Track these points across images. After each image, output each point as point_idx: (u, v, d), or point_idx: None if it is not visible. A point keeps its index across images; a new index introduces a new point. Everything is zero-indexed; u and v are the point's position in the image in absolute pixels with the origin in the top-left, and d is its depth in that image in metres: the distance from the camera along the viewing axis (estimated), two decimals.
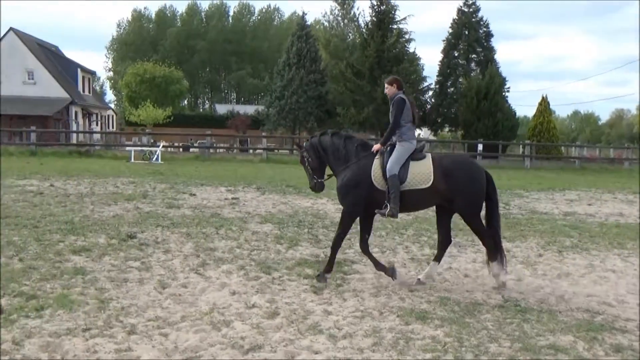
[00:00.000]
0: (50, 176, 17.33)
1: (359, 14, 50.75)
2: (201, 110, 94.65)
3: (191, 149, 34.70)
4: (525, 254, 8.56)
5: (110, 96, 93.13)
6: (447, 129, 48.29)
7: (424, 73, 43.82)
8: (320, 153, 6.84)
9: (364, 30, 41.76)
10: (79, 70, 49.43)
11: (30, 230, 8.70)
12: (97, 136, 38.19)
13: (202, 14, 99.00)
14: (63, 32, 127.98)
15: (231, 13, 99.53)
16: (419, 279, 6.65)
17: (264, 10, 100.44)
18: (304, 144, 7.02)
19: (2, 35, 44.80)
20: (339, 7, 46.10)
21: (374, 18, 40.69)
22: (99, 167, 21.68)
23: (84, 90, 50.12)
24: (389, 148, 6.61)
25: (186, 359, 4.33)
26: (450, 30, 44.53)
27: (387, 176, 6.38)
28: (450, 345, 4.75)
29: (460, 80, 42.97)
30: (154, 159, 26.46)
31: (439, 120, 44.13)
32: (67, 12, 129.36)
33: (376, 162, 6.55)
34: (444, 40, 44.82)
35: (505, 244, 9.07)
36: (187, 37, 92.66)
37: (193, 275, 6.66)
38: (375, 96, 38.20)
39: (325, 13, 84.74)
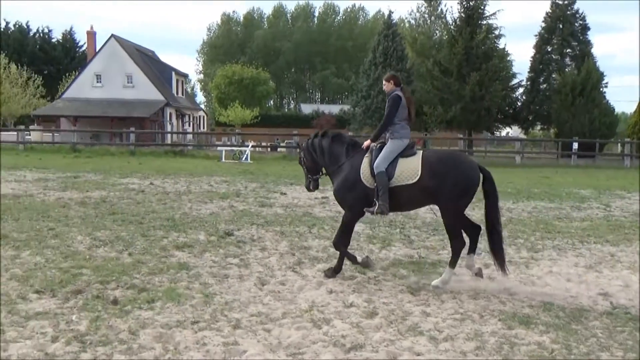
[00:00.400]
0: (149, 175, 18.24)
1: (446, 11, 49.95)
2: (286, 110, 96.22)
3: (278, 149, 35.41)
4: (632, 259, 8.10)
5: (200, 98, 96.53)
6: (538, 127, 46.54)
7: (515, 69, 42.39)
8: (313, 154, 6.93)
9: (451, 27, 40.95)
10: (173, 73, 51.62)
11: (136, 227, 9.21)
12: (189, 136, 39.74)
13: (288, 15, 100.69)
14: (159, 37, 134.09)
15: (316, 14, 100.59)
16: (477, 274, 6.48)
17: (348, 10, 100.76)
18: (302, 144, 7.13)
19: (90, 42, 47.58)
20: (425, 5, 45.50)
21: (462, 14, 39.80)
22: (193, 167, 22.58)
23: (177, 93, 52.29)
24: (378, 146, 6.55)
25: (290, 355, 4.43)
26: (543, 24, 42.86)
27: (375, 173, 6.33)
28: (559, 353, 4.58)
29: (553, 76, 41.29)
30: (243, 158, 27.23)
31: (530, 118, 42.57)
32: (162, 19, 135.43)
33: (365, 161, 6.52)
34: (536, 35, 43.25)
35: (609, 248, 8.71)
36: (274, 39, 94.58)
37: (290, 273, 6.80)
38: (463, 94, 37.38)
39: (412, 11, 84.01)
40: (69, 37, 72.79)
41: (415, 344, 4.67)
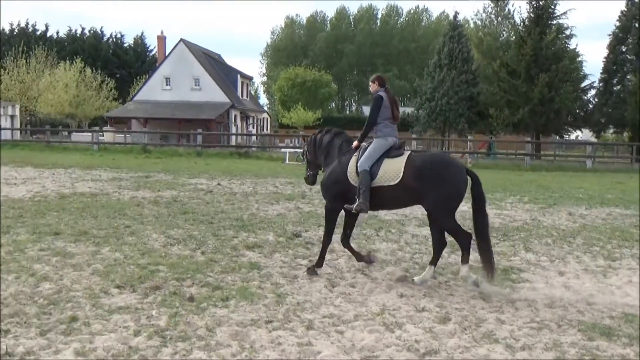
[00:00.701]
0: (216, 175, 18.67)
1: (514, 11, 48.79)
2: (348, 112, 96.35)
3: None
4: None
5: (263, 100, 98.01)
6: (611, 131, 44.74)
7: (586, 70, 40.96)
8: (314, 149, 7.19)
9: (520, 27, 39.95)
10: (238, 76, 52.65)
11: (207, 226, 9.44)
12: (253, 138, 40.36)
13: (351, 17, 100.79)
14: (225, 41, 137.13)
15: (379, 16, 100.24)
16: (413, 279, 6.49)
17: (411, 11, 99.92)
18: (308, 138, 7.43)
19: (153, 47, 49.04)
20: (492, 5, 44.50)
21: (531, 14, 38.80)
22: (258, 168, 22.95)
23: (242, 95, 53.29)
24: (366, 145, 6.68)
25: (364, 358, 4.43)
26: (618, 23, 41.15)
27: (359, 171, 6.44)
28: None
29: (628, 77, 39.58)
30: None
31: (603, 121, 40.93)
32: (228, 23, 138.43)
33: (353, 159, 6.65)
34: (609, 35, 41.56)
35: None
36: (336, 41, 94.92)
37: (359, 275, 6.80)
38: (531, 96, 36.39)
39: (478, 11, 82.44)
40: (140, 41, 75.56)
41: (492, 352, 4.58)
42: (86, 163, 22.05)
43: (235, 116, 49.28)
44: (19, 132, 39.26)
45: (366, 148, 6.63)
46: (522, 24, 39.87)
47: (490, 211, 12.24)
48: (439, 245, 6.52)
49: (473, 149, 34.40)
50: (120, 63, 70.01)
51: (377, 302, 5.75)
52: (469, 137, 36.11)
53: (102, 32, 74.68)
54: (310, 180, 7.51)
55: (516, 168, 27.97)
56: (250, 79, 59.79)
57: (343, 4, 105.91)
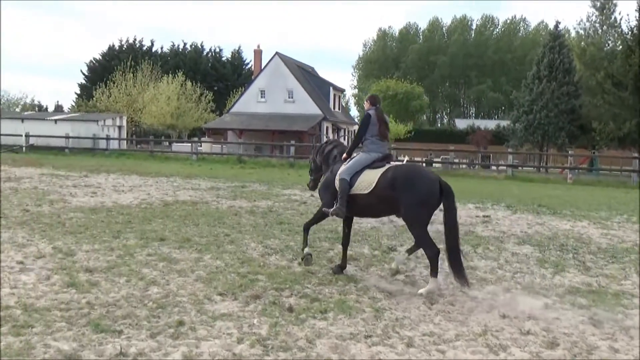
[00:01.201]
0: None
1: (621, 19, 46.17)
2: (440, 125, 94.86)
3: (433, 164, 34.93)
4: None
5: (354, 112, 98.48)
6: None
7: None
8: (319, 158, 7.85)
9: (627, 36, 37.71)
10: (331, 88, 53.25)
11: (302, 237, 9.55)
12: None
13: (444, 29, 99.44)
14: (318, 53, 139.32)
15: (474, 26, 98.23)
16: (420, 292, 6.53)
17: (508, 21, 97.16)
18: (317, 145, 8.20)
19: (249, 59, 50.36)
20: (597, 13, 42.38)
21: None
22: None
23: (334, 107, 53.82)
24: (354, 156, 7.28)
25: None
26: None
27: (338, 179, 7.04)
28: None
29: None
30: None
31: None
32: (322, 36, 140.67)
33: (342, 168, 7.19)
34: None
35: None
36: (429, 53, 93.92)
37: (459, 293, 6.62)
38: (639, 109, 34.19)
39: (581, 20, 78.73)
40: (237, 55, 78.30)
41: None
42: (186, 172, 23.02)
43: (327, 128, 49.82)
44: (125, 141, 41.69)
45: (352, 159, 7.22)
46: (630, 32, 37.65)
47: (596, 230, 11.62)
48: (426, 251, 6.71)
49: (574, 164, 32.80)
50: (218, 76, 72.82)
51: (479, 322, 5.57)
52: (569, 152, 34.47)
53: (202, 47, 78.13)
54: (311, 186, 8.11)
55: (621, 185, 26.36)
56: (342, 91, 60.36)
57: (436, 15, 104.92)
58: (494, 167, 35.15)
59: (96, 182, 17.85)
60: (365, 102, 7.51)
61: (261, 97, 49.41)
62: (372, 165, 7.03)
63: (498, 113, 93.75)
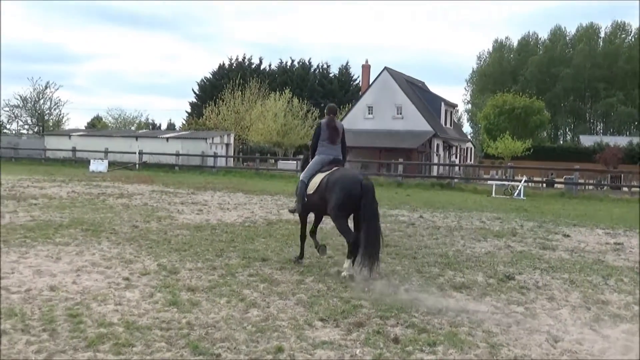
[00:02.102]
0: (417, 207, 18.53)
1: None
2: (562, 142, 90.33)
3: (555, 185, 33.16)
4: None
5: (467, 128, 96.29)
6: None
7: None
8: (304, 165, 9.06)
9: None
10: (442, 103, 52.43)
11: (410, 261, 9.29)
12: (456, 168, 39.59)
13: (568, 38, 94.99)
14: (429, 67, 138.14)
15: (602, 35, 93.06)
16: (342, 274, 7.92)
17: None
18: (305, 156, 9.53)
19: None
20: None
21: None
22: (461, 200, 22.33)
23: (445, 123, 52.88)
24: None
25: None
26: None
27: (299, 181, 8.67)
28: None
29: None
30: (516, 193, 26.06)
31: None
32: (433, 49, 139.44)
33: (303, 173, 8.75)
34: None
35: None
36: (550, 64, 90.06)
37: (587, 330, 6.06)
38: None
39: None
40: (345, 71, 79.38)
41: None
42: (291, 190, 23.36)
43: (437, 145, 48.99)
44: (232, 159, 43.31)
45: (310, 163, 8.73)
46: None
47: None
48: (348, 241, 8.02)
49: None
50: (325, 92, 74.09)
51: None
52: None
53: (309, 63, 80.00)
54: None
55: None
56: (454, 106, 59.21)
57: (559, 24, 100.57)
58: (625, 189, 32.77)
59: (202, 199, 18.58)
60: (326, 113, 8.91)
61: (369, 113, 49.60)
62: (322, 169, 8.49)
63: (630, 129, 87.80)
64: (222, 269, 8.18)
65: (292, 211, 9.30)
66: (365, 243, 7.60)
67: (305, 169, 8.68)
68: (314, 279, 7.78)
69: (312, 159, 8.80)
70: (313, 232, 9.18)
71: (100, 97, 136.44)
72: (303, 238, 9.09)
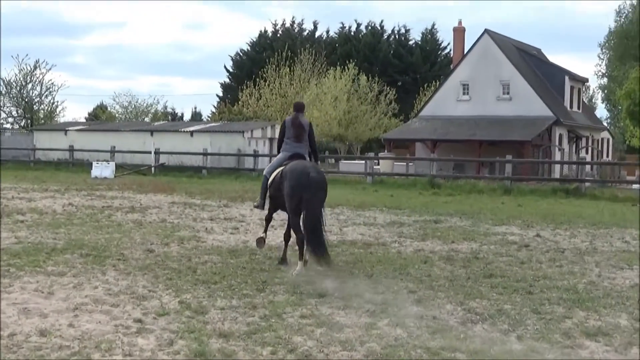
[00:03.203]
0: (533, 222, 18.29)
1: None
2: None
3: None
4: None
5: (601, 112, 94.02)
6: None
7: None
8: None
9: None
10: (566, 78, 51.44)
11: (524, 297, 9.14)
12: (588, 168, 38.72)
13: None
14: (547, 30, 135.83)
15: None
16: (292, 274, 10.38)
17: None
18: None
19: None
20: None
21: None
22: (595, 212, 21.89)
23: (571, 106, 51.88)
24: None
25: None
26: None
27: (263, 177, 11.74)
28: None
29: None
30: None
31: None
32: (553, 5, 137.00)
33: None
34: None
35: None
36: None
37: None
38: None
39: None
40: (429, 37, 79.00)
41: None
42: (357, 200, 23.43)
43: (560, 136, 48.09)
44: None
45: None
46: None
47: None
48: (296, 238, 10.73)
49: None
50: (403, 67, 74.03)
51: None
52: None
53: (381, 27, 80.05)
54: None
55: None
56: (583, 82, 57.94)
57: None
58: None
59: (239, 213, 18.84)
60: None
61: (464, 93, 49.28)
62: (283, 163, 11.11)
63: None
64: (264, 308, 8.24)
65: (256, 206, 12.16)
66: (306, 236, 10.28)
67: (269, 165, 11.83)
68: (389, 322, 7.74)
69: (277, 151, 11.81)
70: (287, 236, 11.49)
71: (105, 79, 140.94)
72: (287, 238, 11.52)
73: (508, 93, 47.76)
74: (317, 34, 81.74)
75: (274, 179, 11.11)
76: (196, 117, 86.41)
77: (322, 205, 10.62)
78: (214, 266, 10.92)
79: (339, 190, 28.97)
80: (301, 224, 10.39)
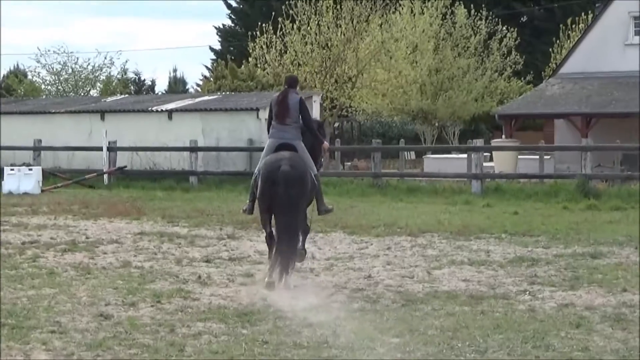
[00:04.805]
0: None
1: None
2: None
3: None
4: None
5: None
6: None
7: None
8: None
9: None
10: None
11: None
12: None
13: None
14: None
15: None
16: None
17: None
18: None
19: None
20: None
21: None
22: None
23: None
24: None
25: None
26: None
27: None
28: None
29: None
30: None
31: None
32: None
33: None
34: None
35: None
36: None
37: None
38: None
39: None
40: None
41: None
42: (456, 222, 23.28)
43: None
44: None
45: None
46: None
47: None
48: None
49: None
50: None
51: None
52: None
53: None
54: None
55: None
56: None
57: None
58: None
59: (254, 250, 18.60)
60: None
61: (636, 33, 48.84)
62: (267, 156, 14.23)
63: None
64: None
65: (244, 211, 15.51)
66: (277, 245, 13.92)
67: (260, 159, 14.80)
68: None
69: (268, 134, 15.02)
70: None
71: (20, 25, 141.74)
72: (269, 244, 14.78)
73: None
74: None
75: (255, 177, 14.60)
76: (177, 86, 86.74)
77: (297, 205, 13.89)
78: (214, 342, 10.81)
79: (424, 204, 28.91)
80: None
